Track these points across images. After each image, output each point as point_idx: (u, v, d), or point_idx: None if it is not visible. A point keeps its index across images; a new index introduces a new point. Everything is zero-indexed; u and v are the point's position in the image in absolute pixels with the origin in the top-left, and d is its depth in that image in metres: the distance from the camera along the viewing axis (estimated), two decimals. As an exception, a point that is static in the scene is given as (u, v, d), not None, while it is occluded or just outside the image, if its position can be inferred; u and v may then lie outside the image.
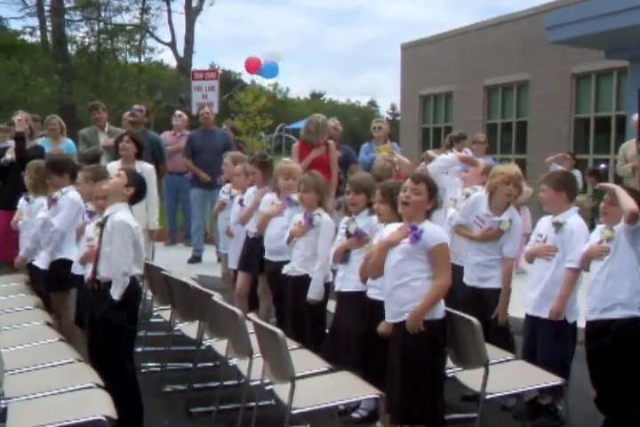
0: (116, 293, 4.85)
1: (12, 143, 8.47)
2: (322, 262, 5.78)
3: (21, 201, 6.75)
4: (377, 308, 4.82)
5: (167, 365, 6.21)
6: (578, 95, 18.65)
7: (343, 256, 5.42)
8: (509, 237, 5.64)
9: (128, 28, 28.76)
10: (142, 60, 32.43)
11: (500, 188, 5.58)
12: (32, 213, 6.52)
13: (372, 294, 4.99)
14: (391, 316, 4.49)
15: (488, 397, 4.51)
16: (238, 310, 4.76)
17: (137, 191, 5.09)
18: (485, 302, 5.58)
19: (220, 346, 5.36)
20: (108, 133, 9.90)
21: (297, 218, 6.05)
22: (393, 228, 4.54)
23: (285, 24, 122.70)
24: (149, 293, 6.82)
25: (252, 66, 16.74)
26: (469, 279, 5.73)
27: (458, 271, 5.70)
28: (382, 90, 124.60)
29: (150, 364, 6.36)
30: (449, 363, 4.78)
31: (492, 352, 4.74)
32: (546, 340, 5.13)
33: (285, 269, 6.04)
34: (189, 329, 5.99)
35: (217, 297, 5.13)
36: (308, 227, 5.91)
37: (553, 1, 18.69)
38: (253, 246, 6.82)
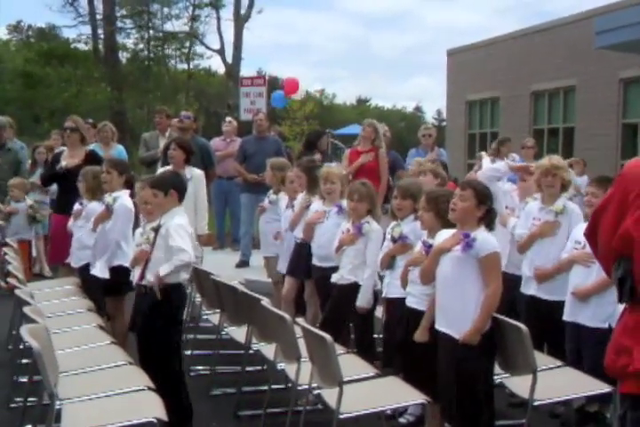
0: (164, 269, 4.92)
1: (64, 149, 8.62)
2: (371, 270, 5.80)
3: (76, 206, 6.88)
4: (413, 316, 4.85)
5: (216, 368, 6.28)
6: (625, 101, 18.43)
7: (389, 262, 5.45)
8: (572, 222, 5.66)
9: (178, 35, 29.13)
10: (191, 66, 32.83)
11: (543, 182, 5.75)
12: (87, 217, 6.64)
13: (410, 302, 5.00)
14: (442, 324, 4.51)
15: (536, 403, 4.49)
16: (287, 315, 4.81)
17: (179, 193, 5.21)
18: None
19: (268, 350, 5.41)
20: (168, 138, 10.03)
21: (345, 226, 6.08)
22: (446, 234, 4.54)
23: (331, 29, 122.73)
24: (198, 296, 6.90)
25: (291, 88, 16.74)
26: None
27: (516, 281, 5.72)
28: (428, 95, 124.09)
29: (199, 367, 6.44)
30: (496, 369, 4.77)
31: (540, 359, 4.72)
32: (591, 347, 5.10)
33: (334, 278, 6.07)
34: (238, 333, 6.05)
35: (265, 302, 5.18)
36: (358, 235, 5.92)
37: (600, 6, 18.51)
38: (301, 252, 6.87)
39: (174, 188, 5.21)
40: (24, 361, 5.88)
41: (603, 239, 2.54)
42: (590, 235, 2.63)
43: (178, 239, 5.00)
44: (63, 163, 8.06)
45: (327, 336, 4.28)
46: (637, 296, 2.38)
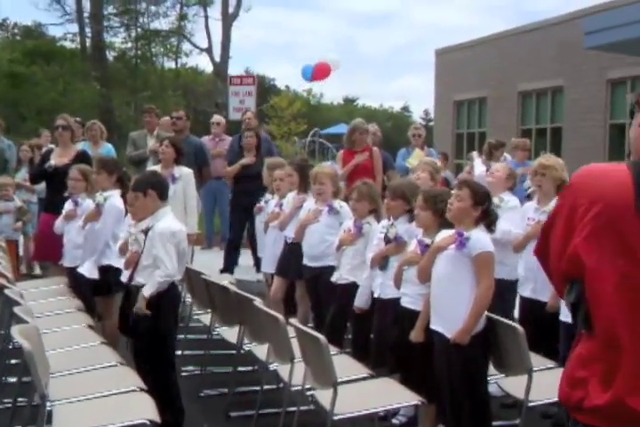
0: (148, 290, 4.88)
1: (53, 147, 8.54)
2: (369, 271, 5.74)
3: (67, 204, 6.82)
4: (408, 316, 4.83)
5: (206, 368, 6.24)
6: (613, 101, 18.50)
7: (382, 262, 5.42)
8: None
9: (164, 33, 29.09)
10: (178, 65, 32.78)
11: (533, 181, 5.81)
12: (82, 216, 6.60)
13: (405, 302, 4.97)
14: (437, 323, 4.49)
15: (531, 404, 4.48)
16: (280, 316, 4.78)
17: (157, 191, 5.14)
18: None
19: (260, 350, 5.38)
20: (156, 137, 9.96)
21: (346, 225, 6.05)
22: (446, 234, 4.53)
23: (319, 29, 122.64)
24: (188, 296, 6.86)
25: (320, 73, 16.60)
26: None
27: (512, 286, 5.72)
28: (415, 95, 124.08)
29: (190, 367, 6.40)
30: (490, 369, 4.76)
31: (534, 360, 4.70)
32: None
33: (334, 277, 6.04)
34: (229, 333, 6.01)
35: (258, 302, 5.15)
36: (357, 235, 5.90)
37: (588, 7, 18.58)
38: (291, 252, 6.84)
39: (152, 187, 5.12)
40: (12, 361, 5.82)
41: (552, 259, 2.24)
42: (540, 253, 2.32)
43: (161, 250, 4.94)
44: (52, 161, 8.00)
45: (321, 337, 4.26)
46: (592, 324, 2.10)
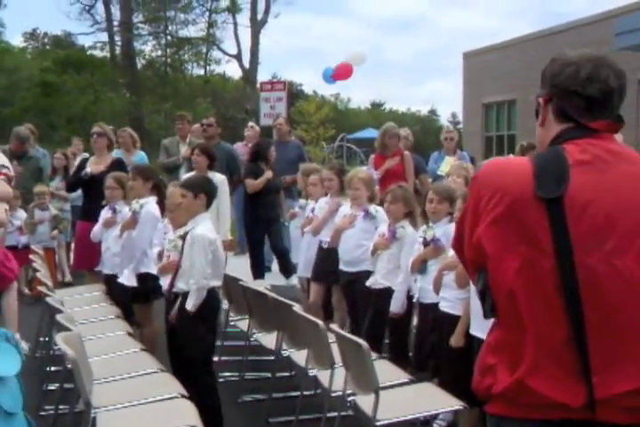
0: (190, 304, 4.92)
1: (86, 155, 8.60)
2: (404, 275, 5.74)
3: (105, 212, 6.88)
4: (447, 321, 4.81)
5: (245, 374, 6.25)
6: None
7: (420, 266, 5.40)
8: None
9: (194, 40, 29.26)
10: (207, 72, 32.97)
11: None
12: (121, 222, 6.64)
13: (444, 306, 4.96)
14: (476, 328, 4.46)
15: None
16: (320, 321, 4.78)
17: (208, 198, 5.19)
18: None
19: (299, 356, 5.38)
20: (189, 144, 10.01)
21: (381, 230, 6.05)
22: None
23: (345, 34, 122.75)
24: (225, 302, 6.88)
25: (342, 73, 16.49)
26: None
27: None
28: (442, 99, 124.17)
29: (227, 373, 6.41)
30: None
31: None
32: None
33: (369, 282, 6.04)
34: (267, 339, 6.01)
35: (297, 308, 5.16)
36: (392, 240, 5.89)
37: (617, 7, 18.44)
38: (327, 257, 6.84)
39: (205, 192, 5.19)
40: (53, 369, 5.87)
41: (465, 250, 2.28)
42: (457, 247, 2.35)
43: (195, 256, 4.97)
44: (88, 169, 8.08)
45: (363, 342, 4.25)
46: (497, 313, 2.16)
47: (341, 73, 16.26)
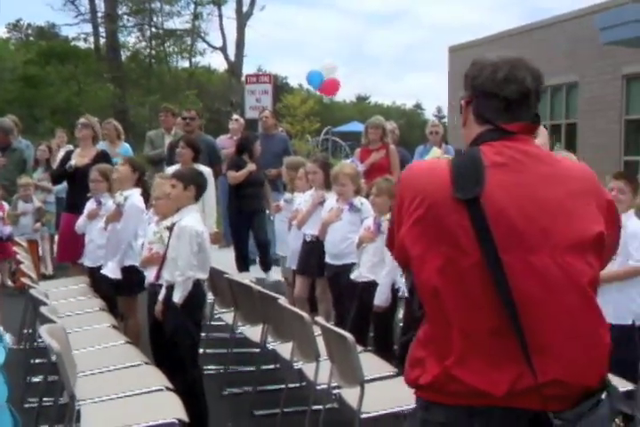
0: (177, 296, 4.90)
1: (71, 147, 8.54)
2: (389, 269, 5.73)
3: (89, 204, 6.84)
4: None
5: (229, 367, 6.24)
6: (628, 96, 18.39)
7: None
8: None
9: (179, 32, 29.13)
10: (192, 64, 32.82)
11: None
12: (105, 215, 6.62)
13: None
14: None
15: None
16: (305, 314, 4.78)
17: (198, 190, 5.18)
18: None
19: (283, 349, 5.38)
20: (174, 137, 9.96)
21: (367, 223, 6.05)
22: None
23: (330, 27, 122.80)
24: (210, 295, 6.86)
25: (329, 89, 16.58)
26: None
27: None
28: (427, 93, 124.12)
29: (212, 366, 6.40)
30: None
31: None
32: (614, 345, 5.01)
33: (353, 275, 6.04)
34: (252, 332, 6.01)
35: (282, 300, 5.15)
36: (377, 233, 5.89)
37: (601, 2, 18.47)
38: (311, 250, 6.84)
39: (195, 184, 5.16)
40: (37, 361, 5.85)
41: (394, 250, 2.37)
42: (389, 246, 2.44)
43: (180, 247, 4.95)
44: (72, 162, 8.03)
45: (348, 335, 4.25)
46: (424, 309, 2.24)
47: (328, 89, 16.38)
